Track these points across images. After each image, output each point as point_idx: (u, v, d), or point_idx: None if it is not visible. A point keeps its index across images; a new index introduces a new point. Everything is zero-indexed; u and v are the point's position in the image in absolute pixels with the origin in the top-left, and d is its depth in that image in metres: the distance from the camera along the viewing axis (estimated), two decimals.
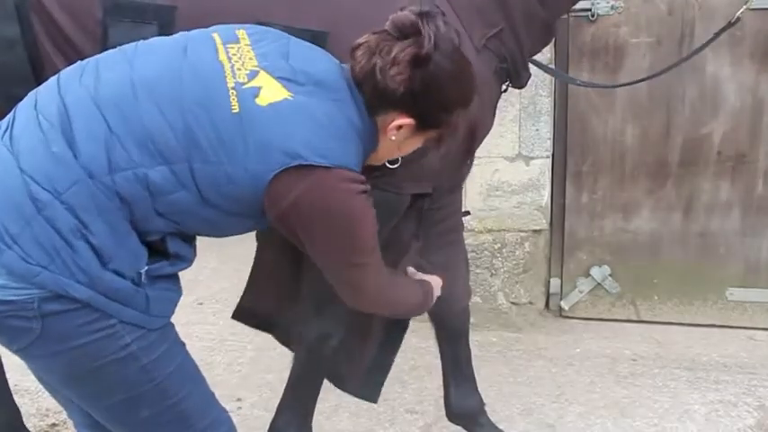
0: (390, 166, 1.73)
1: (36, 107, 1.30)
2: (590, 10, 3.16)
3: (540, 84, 3.19)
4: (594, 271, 3.41)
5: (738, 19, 2.25)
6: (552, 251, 3.49)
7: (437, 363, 3.03)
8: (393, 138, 1.40)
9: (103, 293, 1.26)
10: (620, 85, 2.87)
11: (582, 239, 3.41)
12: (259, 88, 1.28)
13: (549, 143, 3.28)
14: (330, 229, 1.33)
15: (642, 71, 3.17)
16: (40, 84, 1.40)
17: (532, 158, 3.27)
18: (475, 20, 1.82)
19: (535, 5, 1.90)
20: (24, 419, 2.30)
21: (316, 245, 1.36)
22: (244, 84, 1.28)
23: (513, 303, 3.35)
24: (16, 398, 2.41)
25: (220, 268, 4.23)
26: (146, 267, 1.30)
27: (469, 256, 3.35)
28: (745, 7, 2.21)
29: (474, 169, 3.30)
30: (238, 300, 2.17)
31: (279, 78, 1.30)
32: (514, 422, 2.60)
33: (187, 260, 1.40)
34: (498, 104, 3.15)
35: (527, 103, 3.22)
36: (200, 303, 3.81)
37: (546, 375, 2.93)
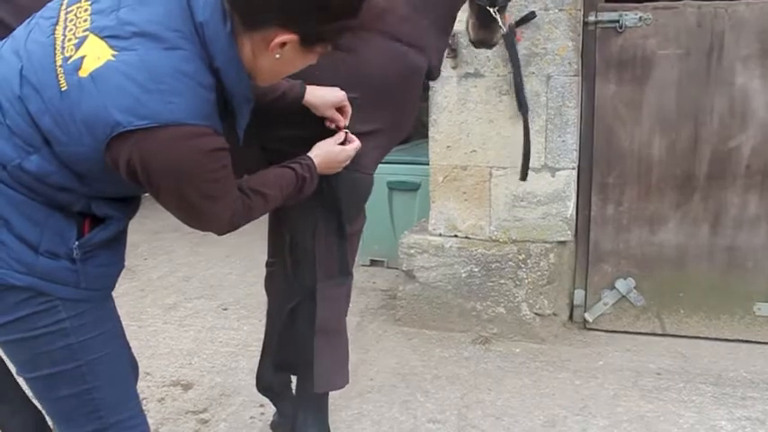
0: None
1: None
2: (618, 21, 3.16)
3: (567, 95, 3.19)
4: (619, 283, 3.39)
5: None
6: (577, 263, 3.47)
7: (460, 372, 3.04)
8: (278, 56, 1.36)
9: (42, 277, 1.35)
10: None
11: (607, 251, 3.39)
12: (82, 58, 1.26)
13: (575, 154, 3.27)
14: (168, 187, 1.33)
15: (670, 83, 3.17)
16: None
17: (558, 170, 3.26)
18: (411, 14, 1.96)
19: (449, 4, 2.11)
20: None
21: (159, 197, 1.36)
22: (70, 57, 1.28)
23: (536, 314, 3.34)
24: None
25: (245, 274, 4.27)
26: (76, 243, 1.37)
27: (494, 266, 3.38)
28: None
29: (499, 180, 3.34)
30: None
31: (105, 38, 1.28)
32: None
33: (118, 218, 1.43)
34: None
35: (553, 115, 3.22)
36: (225, 309, 3.85)
37: (569, 387, 2.91)
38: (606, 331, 3.42)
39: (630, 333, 3.39)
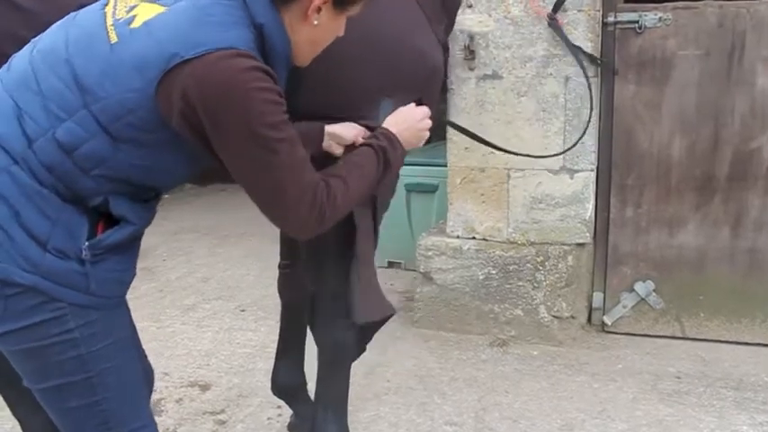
0: None
1: None
2: (637, 22, 3.13)
3: (586, 96, 3.16)
4: (638, 286, 3.36)
5: None
6: (596, 265, 3.45)
7: (477, 375, 3.03)
8: (316, 22, 1.44)
9: (47, 277, 1.32)
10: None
11: (626, 254, 3.37)
12: (134, 16, 1.32)
13: (593, 156, 3.25)
14: (227, 113, 1.29)
15: (691, 84, 3.14)
16: None
17: (577, 171, 3.24)
18: (435, 15, 2.05)
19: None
20: None
21: (222, 138, 1.33)
22: (121, 18, 1.33)
23: (555, 317, 3.32)
24: None
25: (262, 276, 4.28)
26: (86, 243, 1.34)
27: (512, 268, 3.36)
28: None
29: (518, 181, 3.32)
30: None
31: (156, 1, 1.35)
32: None
33: (134, 223, 1.41)
34: (542, 116, 3.20)
35: (572, 116, 3.20)
36: (243, 310, 3.86)
37: (587, 391, 2.89)
38: (625, 334, 3.40)
39: (650, 336, 3.37)
